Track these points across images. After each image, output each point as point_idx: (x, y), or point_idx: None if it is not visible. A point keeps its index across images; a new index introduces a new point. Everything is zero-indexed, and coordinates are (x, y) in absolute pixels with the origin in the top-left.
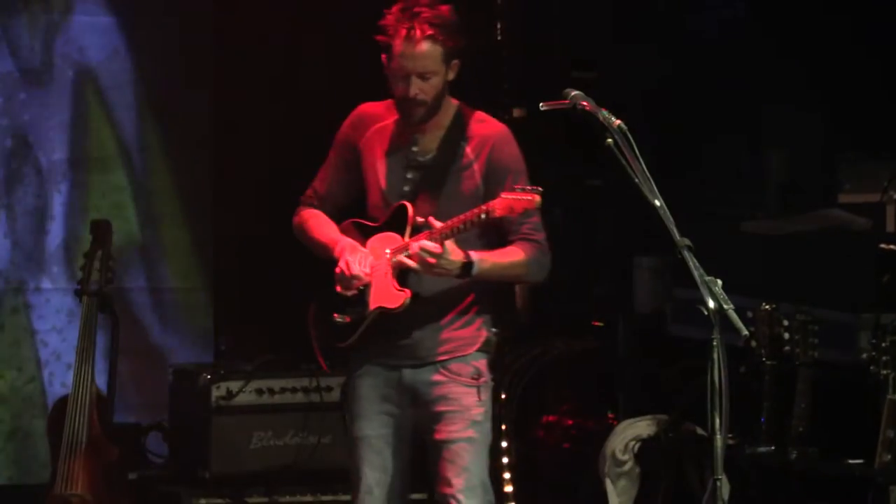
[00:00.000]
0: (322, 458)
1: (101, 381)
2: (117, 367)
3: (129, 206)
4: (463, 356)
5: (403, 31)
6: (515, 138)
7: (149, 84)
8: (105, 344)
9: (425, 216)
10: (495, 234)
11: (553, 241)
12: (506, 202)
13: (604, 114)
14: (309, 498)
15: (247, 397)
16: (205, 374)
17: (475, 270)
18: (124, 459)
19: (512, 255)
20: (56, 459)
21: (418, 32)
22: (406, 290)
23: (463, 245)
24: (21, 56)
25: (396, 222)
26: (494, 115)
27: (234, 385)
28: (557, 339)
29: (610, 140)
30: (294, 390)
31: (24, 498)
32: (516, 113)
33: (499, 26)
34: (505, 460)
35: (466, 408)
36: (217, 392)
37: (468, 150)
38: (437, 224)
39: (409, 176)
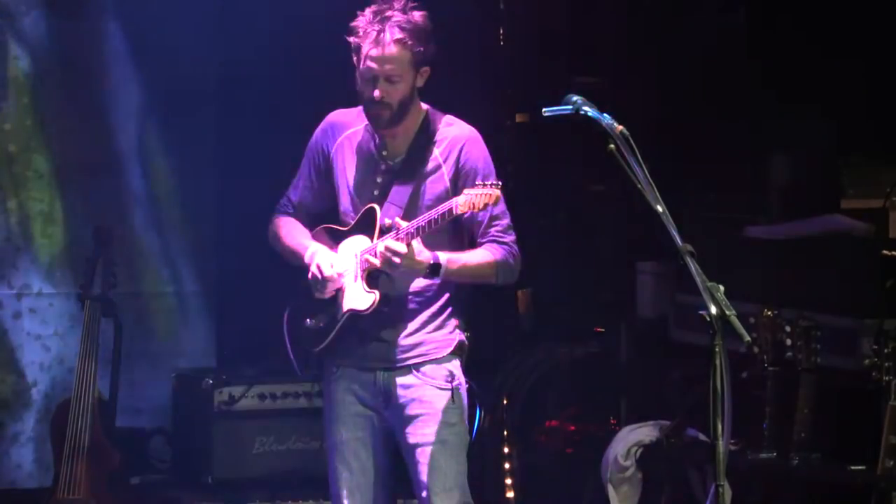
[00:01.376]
0: (324, 464)
1: (103, 385)
2: (119, 372)
3: (132, 211)
4: (436, 359)
5: (373, 34)
6: (519, 143)
7: (153, 88)
8: (107, 348)
9: (395, 218)
10: (466, 236)
11: (555, 246)
12: (468, 198)
13: (606, 119)
14: (311, 503)
15: (249, 402)
16: (207, 379)
17: (443, 271)
18: (126, 464)
19: (481, 257)
20: (58, 464)
21: (387, 36)
22: (375, 291)
23: (432, 247)
24: (25, 60)
25: (365, 225)
26: (497, 121)
27: (237, 390)
28: (559, 344)
29: (612, 146)
30: (296, 395)
31: (26, 503)
32: (519, 118)
33: (501, 31)
34: (507, 465)
35: (440, 411)
36: (219, 397)
37: (437, 153)
38: (403, 224)
39: (379, 180)
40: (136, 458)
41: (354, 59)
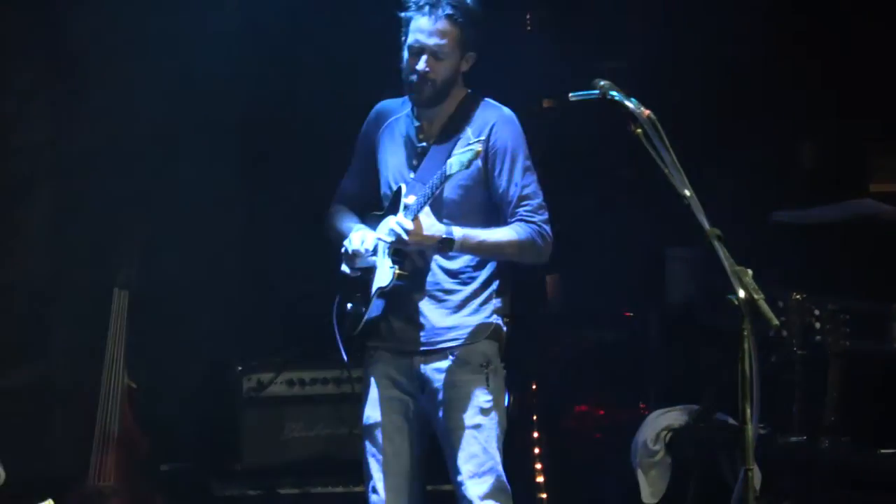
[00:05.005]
0: (353, 449)
1: (132, 373)
2: (149, 360)
3: (162, 199)
4: (472, 343)
5: (426, 7)
6: (546, 129)
7: (179, 75)
8: (137, 336)
9: (416, 195)
10: (501, 217)
11: (584, 232)
12: (456, 157)
13: (633, 103)
14: (340, 489)
15: (278, 388)
16: (236, 366)
17: (456, 245)
18: (156, 451)
19: (503, 235)
20: (88, 451)
21: (440, 10)
22: (394, 265)
23: (463, 224)
24: (56, 46)
25: (395, 205)
26: (525, 106)
27: (265, 376)
28: (589, 329)
29: (639, 130)
30: (325, 381)
31: (55, 489)
32: (546, 104)
33: (528, 17)
34: (536, 451)
35: (475, 395)
36: (248, 384)
37: (470, 133)
38: (410, 202)
39: (415, 162)
40: (166, 446)
41: (403, 33)
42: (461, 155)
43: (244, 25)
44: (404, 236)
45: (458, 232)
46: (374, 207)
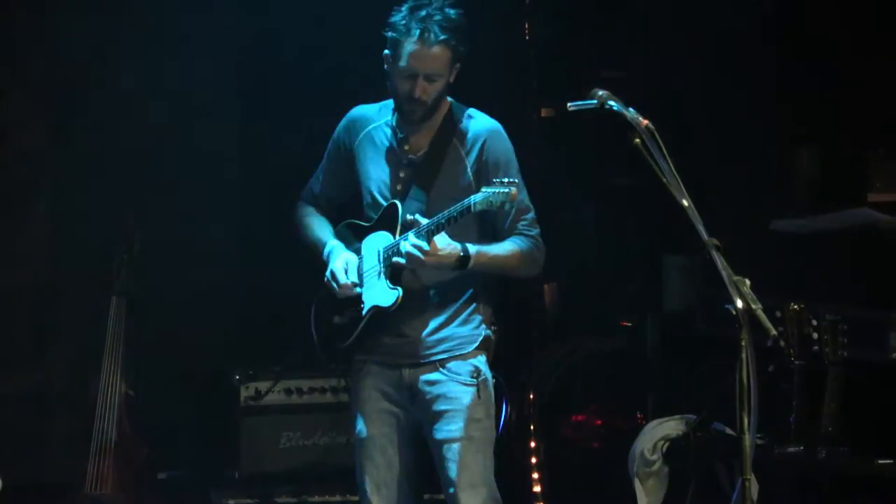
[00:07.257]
0: (350, 458)
1: (130, 380)
2: (146, 367)
3: (160, 205)
4: (462, 355)
5: (416, 32)
6: (544, 138)
7: (179, 79)
8: (134, 343)
9: (416, 214)
10: (491, 230)
11: (582, 240)
12: (485, 196)
13: (631, 113)
14: (338, 498)
15: (275, 397)
16: (234, 374)
17: (472, 263)
18: (153, 459)
19: (508, 249)
20: (85, 459)
21: (431, 36)
22: (398, 287)
23: (460, 239)
24: (56, 55)
25: (388, 221)
26: (522, 115)
27: (263, 385)
28: (586, 338)
29: (637, 140)
30: (323, 390)
31: (51, 498)
32: (544, 112)
33: (526, 25)
34: (533, 460)
35: (465, 406)
36: (246, 392)
37: (459, 146)
38: (423, 221)
39: (401, 175)
40: (163, 454)
41: (390, 54)
42: (492, 196)
43: (243, 27)
44: (422, 258)
45: (473, 248)
46: (345, 210)
